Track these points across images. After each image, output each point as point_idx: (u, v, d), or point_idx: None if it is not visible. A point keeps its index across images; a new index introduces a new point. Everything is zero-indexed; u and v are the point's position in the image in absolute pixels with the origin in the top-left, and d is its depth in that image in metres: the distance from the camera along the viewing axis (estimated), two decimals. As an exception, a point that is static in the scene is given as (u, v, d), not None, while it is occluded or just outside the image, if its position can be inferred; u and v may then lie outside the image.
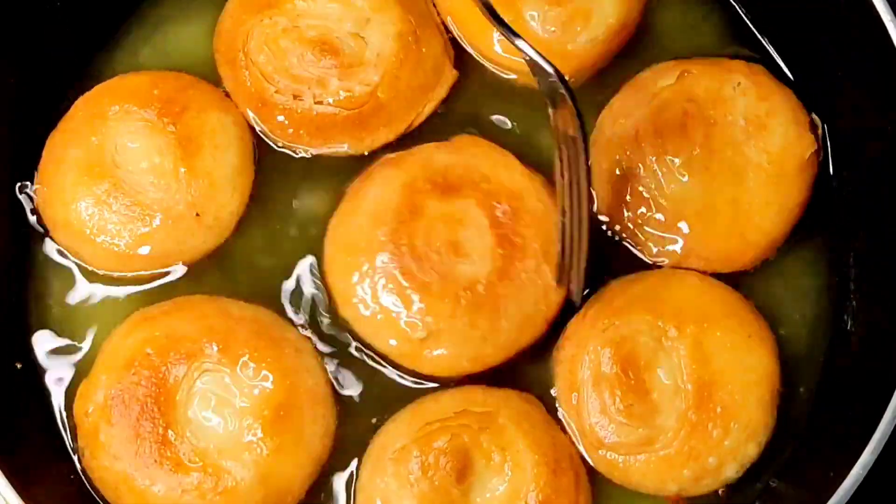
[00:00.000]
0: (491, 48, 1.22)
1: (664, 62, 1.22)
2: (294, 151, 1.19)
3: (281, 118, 1.18)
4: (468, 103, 1.22)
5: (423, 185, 1.13)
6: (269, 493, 1.07)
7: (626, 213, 1.17)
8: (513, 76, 1.22)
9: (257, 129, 1.20)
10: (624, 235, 1.18)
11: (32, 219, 1.18)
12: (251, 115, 1.19)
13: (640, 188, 1.16)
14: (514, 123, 1.22)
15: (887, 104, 1.09)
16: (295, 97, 1.17)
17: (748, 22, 1.26)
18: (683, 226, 1.16)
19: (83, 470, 1.11)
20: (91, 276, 1.17)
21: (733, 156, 1.16)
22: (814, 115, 1.20)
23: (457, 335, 1.10)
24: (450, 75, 1.20)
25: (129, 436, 1.07)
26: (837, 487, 1.01)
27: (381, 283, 1.11)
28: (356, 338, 1.14)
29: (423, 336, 1.10)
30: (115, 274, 1.16)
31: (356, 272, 1.12)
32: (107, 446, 1.07)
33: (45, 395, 1.14)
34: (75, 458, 1.12)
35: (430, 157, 1.16)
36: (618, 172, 1.17)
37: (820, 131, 1.20)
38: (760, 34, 1.25)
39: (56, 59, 1.21)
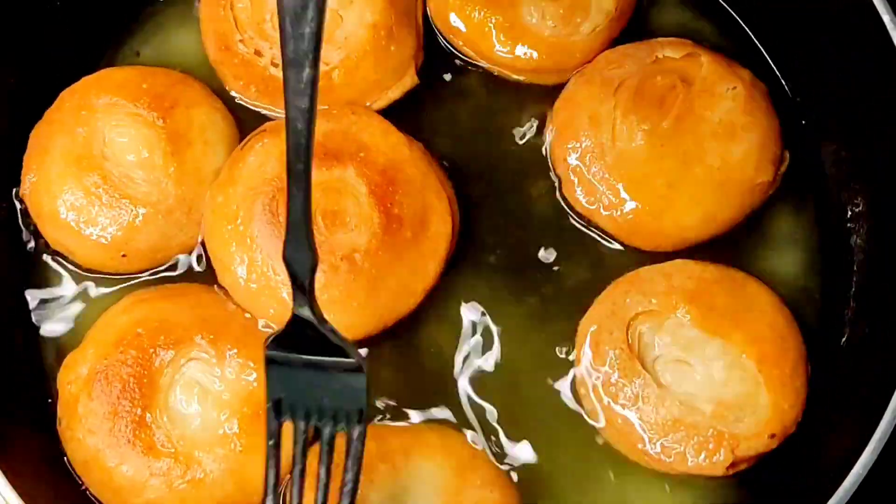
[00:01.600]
0: (492, 49, 1.23)
1: (681, 38, 1.23)
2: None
3: (237, 67, 1.20)
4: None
5: None
6: (237, 489, 1.06)
7: (571, 154, 1.18)
8: (518, 77, 1.24)
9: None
10: (560, 177, 1.19)
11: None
12: (210, 51, 1.22)
13: (595, 133, 1.17)
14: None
15: (887, 104, 1.09)
16: (256, 52, 1.20)
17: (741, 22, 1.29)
18: (616, 182, 1.16)
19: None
20: (81, 276, 1.18)
21: (692, 146, 1.16)
22: (786, 152, 1.20)
23: (334, 304, 1.10)
24: (409, 80, 1.21)
25: (107, 412, 1.07)
26: (837, 487, 1.00)
27: (259, 253, 1.11)
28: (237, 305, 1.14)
29: None
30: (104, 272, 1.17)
31: (233, 242, 1.12)
32: (83, 419, 1.08)
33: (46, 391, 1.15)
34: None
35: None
36: (586, 115, 1.18)
37: (783, 168, 1.20)
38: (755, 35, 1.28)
39: (56, 59, 1.23)
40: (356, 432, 0.96)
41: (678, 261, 1.17)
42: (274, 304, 1.12)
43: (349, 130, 1.15)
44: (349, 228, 1.12)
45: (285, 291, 1.09)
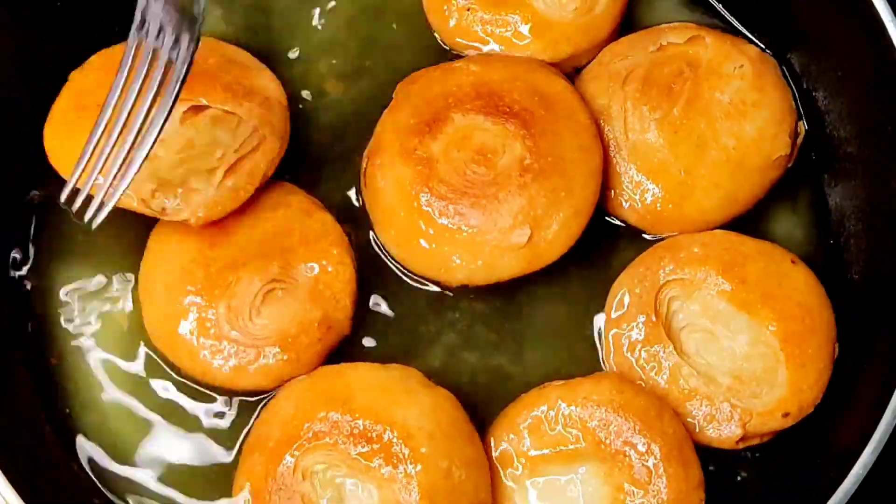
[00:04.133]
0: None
1: (683, 22, 1.25)
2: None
3: None
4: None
5: (412, 141, 1.18)
6: None
7: None
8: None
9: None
10: None
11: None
12: None
13: (607, 127, 1.20)
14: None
15: (887, 104, 1.11)
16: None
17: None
18: (635, 174, 1.20)
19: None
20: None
21: (705, 129, 1.19)
22: (801, 123, 1.21)
23: (552, 207, 1.15)
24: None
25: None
26: (837, 487, 1.03)
27: (451, 222, 1.15)
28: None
29: (529, 233, 1.15)
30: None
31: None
32: None
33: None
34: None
35: (396, 120, 1.20)
36: (596, 107, 1.21)
37: (800, 140, 1.22)
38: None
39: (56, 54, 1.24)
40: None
41: (718, 231, 1.20)
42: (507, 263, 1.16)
43: (423, 96, 1.20)
44: (501, 152, 1.17)
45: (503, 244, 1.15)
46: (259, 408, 1.17)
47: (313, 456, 1.10)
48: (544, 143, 1.16)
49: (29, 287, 1.23)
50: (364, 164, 1.22)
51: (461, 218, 1.15)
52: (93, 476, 1.17)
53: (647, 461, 1.10)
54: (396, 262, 1.21)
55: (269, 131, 1.18)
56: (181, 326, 1.15)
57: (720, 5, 1.30)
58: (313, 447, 1.10)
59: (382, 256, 1.22)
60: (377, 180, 1.19)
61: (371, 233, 1.22)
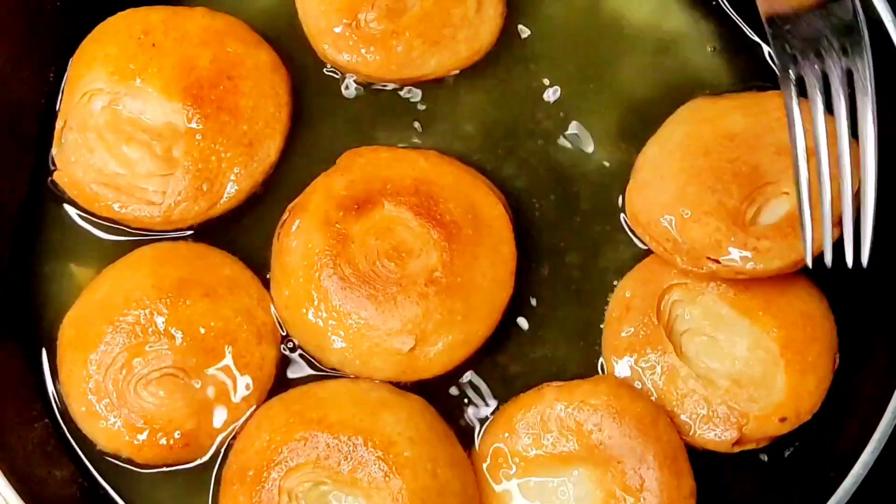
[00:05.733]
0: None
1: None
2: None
3: None
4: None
5: (336, 213, 1.17)
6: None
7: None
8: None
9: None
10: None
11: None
12: None
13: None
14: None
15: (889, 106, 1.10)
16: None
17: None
18: None
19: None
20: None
21: None
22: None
23: (441, 328, 1.14)
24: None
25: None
26: (837, 487, 1.03)
27: (342, 305, 1.15)
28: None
29: (412, 345, 1.14)
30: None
31: (321, 320, 1.16)
32: None
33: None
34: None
35: (330, 186, 1.19)
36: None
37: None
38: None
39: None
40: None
41: None
42: (384, 357, 1.15)
43: (365, 172, 1.19)
44: (416, 255, 1.16)
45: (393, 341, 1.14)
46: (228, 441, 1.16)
47: (297, 476, 1.10)
48: (460, 262, 1.15)
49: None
50: (285, 217, 1.21)
51: (354, 305, 1.14)
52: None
53: (639, 469, 1.10)
54: (279, 320, 1.19)
55: None
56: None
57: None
58: (296, 467, 1.10)
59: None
60: (290, 238, 1.18)
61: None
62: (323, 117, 1.27)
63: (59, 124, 1.24)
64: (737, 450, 1.14)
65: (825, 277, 1.13)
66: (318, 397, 1.13)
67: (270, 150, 1.25)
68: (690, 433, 1.14)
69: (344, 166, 1.21)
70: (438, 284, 1.15)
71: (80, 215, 1.24)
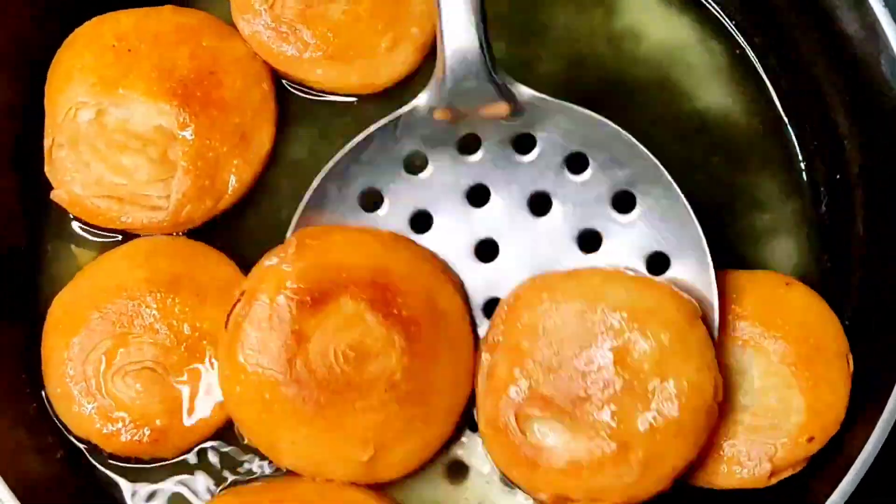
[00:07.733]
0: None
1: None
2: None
3: None
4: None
5: (290, 308, 1.11)
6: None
7: None
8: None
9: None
10: None
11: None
12: None
13: None
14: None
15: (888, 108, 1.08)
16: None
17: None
18: None
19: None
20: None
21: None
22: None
23: (405, 436, 1.12)
24: None
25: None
26: (837, 487, 1.03)
27: (299, 410, 1.11)
28: None
29: (372, 453, 1.11)
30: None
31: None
32: None
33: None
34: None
35: (282, 275, 1.13)
36: None
37: None
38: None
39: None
40: None
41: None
42: (342, 462, 1.12)
43: (318, 259, 1.13)
44: (375, 356, 1.11)
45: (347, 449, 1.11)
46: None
47: None
48: (419, 365, 1.11)
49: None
50: (236, 299, 1.14)
51: (311, 412, 1.10)
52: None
53: None
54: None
55: None
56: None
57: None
58: None
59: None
60: (242, 331, 1.12)
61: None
62: (309, 105, 1.28)
63: (47, 142, 1.22)
64: (775, 481, 1.13)
65: (825, 278, 1.12)
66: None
67: (264, 138, 1.25)
68: (725, 476, 1.12)
69: (298, 249, 1.14)
70: (399, 391, 1.11)
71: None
